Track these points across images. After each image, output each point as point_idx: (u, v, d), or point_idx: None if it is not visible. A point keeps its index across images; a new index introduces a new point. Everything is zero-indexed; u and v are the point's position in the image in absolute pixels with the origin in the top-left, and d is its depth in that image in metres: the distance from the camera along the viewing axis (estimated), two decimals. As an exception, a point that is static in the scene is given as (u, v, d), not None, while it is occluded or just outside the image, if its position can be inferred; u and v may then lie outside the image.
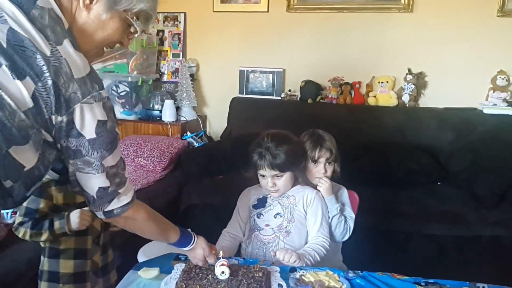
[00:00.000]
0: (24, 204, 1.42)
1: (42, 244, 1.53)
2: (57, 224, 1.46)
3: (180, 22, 3.82)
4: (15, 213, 2.08)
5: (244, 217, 1.87)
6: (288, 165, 1.73)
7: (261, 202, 1.84)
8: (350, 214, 1.89)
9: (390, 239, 2.53)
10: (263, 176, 1.77)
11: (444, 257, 2.49)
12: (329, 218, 1.82)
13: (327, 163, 1.88)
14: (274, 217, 1.79)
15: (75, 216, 1.47)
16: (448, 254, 2.48)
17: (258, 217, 1.81)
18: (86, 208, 1.45)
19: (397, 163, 2.89)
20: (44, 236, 1.46)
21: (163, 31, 3.86)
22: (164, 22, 3.85)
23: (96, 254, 1.58)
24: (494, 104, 3.11)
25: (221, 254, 1.46)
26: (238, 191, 1.96)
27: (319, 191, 1.83)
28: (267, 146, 1.72)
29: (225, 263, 1.40)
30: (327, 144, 1.88)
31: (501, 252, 2.43)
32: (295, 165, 1.77)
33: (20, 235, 1.49)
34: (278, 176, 1.75)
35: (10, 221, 2.07)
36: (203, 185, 2.87)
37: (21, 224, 1.48)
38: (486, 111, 3.12)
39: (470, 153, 2.93)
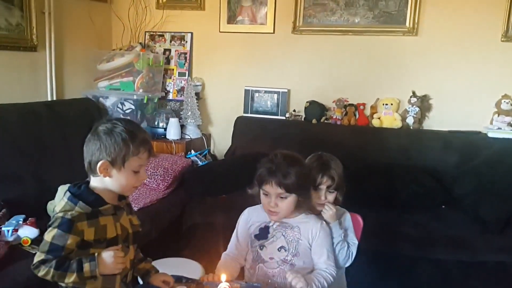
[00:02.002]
0: (48, 239, 1.30)
1: (63, 284, 1.36)
2: (87, 266, 1.31)
3: (186, 41, 3.86)
4: (16, 230, 2.09)
5: (242, 242, 1.80)
6: (295, 187, 1.66)
7: (263, 233, 1.75)
8: (353, 240, 1.86)
9: (394, 263, 2.51)
10: (267, 194, 1.69)
11: (448, 282, 2.46)
12: (333, 243, 1.79)
13: (328, 191, 1.85)
14: (278, 250, 1.72)
15: (108, 258, 1.33)
16: (452, 279, 2.46)
17: (261, 249, 1.74)
18: (117, 247, 1.38)
19: (402, 186, 2.88)
20: (71, 279, 1.30)
21: (169, 50, 3.89)
22: (171, 41, 3.89)
23: None
24: (499, 128, 3.11)
25: (224, 277, 1.44)
26: (242, 211, 1.94)
27: (323, 220, 1.78)
28: (279, 163, 1.66)
29: (227, 286, 1.39)
30: (331, 172, 1.84)
31: (506, 278, 2.41)
32: (302, 188, 1.69)
33: (40, 275, 1.31)
34: (282, 197, 1.67)
35: (10, 238, 2.06)
36: (206, 204, 2.86)
37: (43, 262, 1.30)
38: (490, 134, 3.11)
39: (475, 177, 2.92)
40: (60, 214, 1.32)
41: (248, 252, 1.78)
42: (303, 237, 1.71)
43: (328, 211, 1.81)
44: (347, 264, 1.86)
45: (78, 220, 1.32)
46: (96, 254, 1.33)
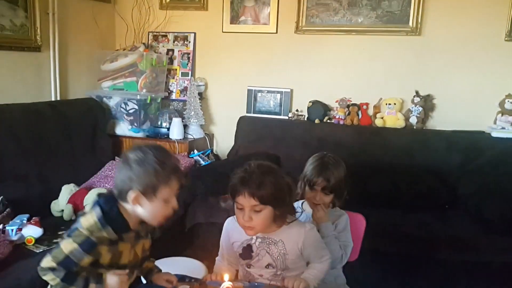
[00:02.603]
0: (65, 250, 1.29)
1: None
2: (92, 286, 1.32)
3: (190, 41, 3.86)
4: (20, 230, 2.10)
5: (227, 254, 1.72)
6: (270, 199, 1.50)
7: (247, 252, 1.64)
8: (347, 241, 1.83)
9: (397, 263, 2.50)
10: (241, 208, 1.53)
11: (452, 283, 2.46)
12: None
13: (323, 193, 1.82)
14: (266, 267, 1.62)
15: (114, 284, 1.34)
16: (456, 280, 2.45)
17: (248, 268, 1.66)
18: (124, 272, 1.38)
19: (405, 186, 2.88)
20: None
21: (173, 50, 3.90)
22: (174, 42, 3.89)
23: None
24: (503, 128, 3.10)
25: (226, 277, 1.44)
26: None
27: (307, 222, 1.71)
28: (252, 171, 1.52)
29: (230, 286, 1.39)
30: (327, 174, 1.81)
31: (510, 279, 2.39)
32: (277, 200, 1.53)
33: (45, 278, 1.33)
34: (256, 211, 1.51)
35: (15, 238, 2.08)
36: (209, 204, 2.85)
37: (52, 269, 1.31)
38: (494, 134, 3.11)
39: (478, 177, 2.91)
40: (86, 233, 1.30)
41: (239, 267, 1.71)
42: (289, 251, 1.60)
43: (317, 213, 1.79)
44: (340, 265, 1.85)
45: (100, 243, 1.32)
46: (103, 275, 1.35)
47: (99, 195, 1.42)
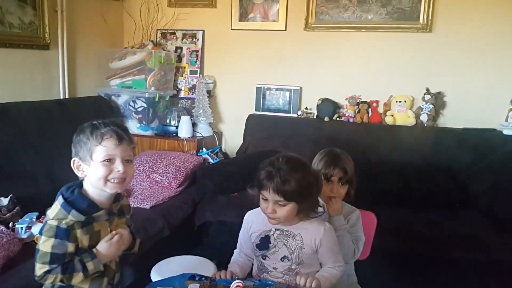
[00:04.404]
0: (47, 249, 1.31)
1: (49, 286, 1.39)
2: (90, 265, 1.36)
3: (198, 39, 3.85)
4: (30, 228, 2.10)
5: (245, 247, 1.76)
6: (295, 196, 1.52)
7: (264, 243, 1.65)
8: (359, 236, 1.83)
9: (407, 262, 2.48)
10: (265, 199, 1.57)
11: (463, 282, 2.43)
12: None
13: (340, 183, 1.83)
14: (281, 260, 1.62)
15: (106, 249, 1.39)
16: (467, 279, 2.42)
17: (264, 259, 1.66)
18: (109, 235, 1.42)
19: (416, 184, 2.85)
20: (78, 279, 1.35)
21: (181, 48, 3.89)
22: (182, 39, 3.88)
23: None
24: (514, 126, 3.06)
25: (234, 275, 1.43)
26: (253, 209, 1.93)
27: (326, 222, 1.70)
28: (280, 167, 1.52)
29: (241, 284, 1.38)
30: (342, 164, 1.82)
31: (522, 278, 2.36)
32: (303, 197, 1.55)
33: (47, 283, 1.35)
34: (280, 205, 1.54)
35: (24, 236, 2.08)
36: (218, 202, 2.85)
37: (49, 272, 1.32)
38: (505, 132, 3.06)
39: (490, 175, 2.88)
40: (55, 223, 1.32)
41: (254, 259, 1.73)
42: (306, 245, 1.60)
43: (334, 205, 1.78)
44: (353, 260, 1.84)
45: (72, 228, 1.34)
46: (94, 250, 1.38)
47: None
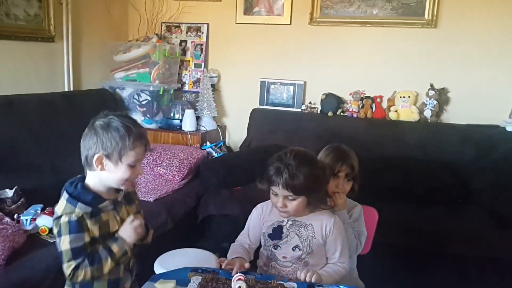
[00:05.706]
0: (66, 247, 1.32)
1: (68, 282, 1.41)
2: (115, 247, 1.38)
3: (202, 32, 3.85)
4: (34, 219, 2.12)
5: (253, 237, 1.77)
6: (304, 190, 1.57)
7: (277, 233, 1.69)
8: (361, 230, 1.86)
9: (409, 257, 2.48)
10: (275, 194, 1.62)
11: (464, 278, 2.43)
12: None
13: (345, 179, 1.85)
14: (293, 249, 1.66)
15: (126, 232, 1.41)
16: (468, 275, 2.42)
17: (275, 248, 1.69)
18: (129, 219, 1.44)
19: (418, 179, 2.86)
20: (108, 266, 1.36)
21: (186, 41, 3.90)
22: (187, 33, 3.89)
23: (128, 281, 1.52)
24: (518, 122, 3.06)
25: (235, 268, 1.44)
26: (257, 203, 1.91)
27: (336, 216, 1.73)
28: (288, 163, 1.56)
29: (242, 277, 1.39)
30: (350, 160, 1.84)
31: (523, 275, 2.37)
32: (312, 191, 1.60)
33: (80, 280, 1.34)
34: (290, 199, 1.60)
35: (29, 227, 2.09)
36: (222, 195, 2.86)
37: (77, 268, 1.32)
38: (509, 129, 3.06)
39: (492, 172, 2.88)
40: (65, 219, 1.33)
41: (262, 250, 1.76)
42: (317, 234, 1.65)
43: (339, 199, 1.81)
44: (355, 255, 1.87)
45: (82, 219, 1.35)
46: (115, 235, 1.41)
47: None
